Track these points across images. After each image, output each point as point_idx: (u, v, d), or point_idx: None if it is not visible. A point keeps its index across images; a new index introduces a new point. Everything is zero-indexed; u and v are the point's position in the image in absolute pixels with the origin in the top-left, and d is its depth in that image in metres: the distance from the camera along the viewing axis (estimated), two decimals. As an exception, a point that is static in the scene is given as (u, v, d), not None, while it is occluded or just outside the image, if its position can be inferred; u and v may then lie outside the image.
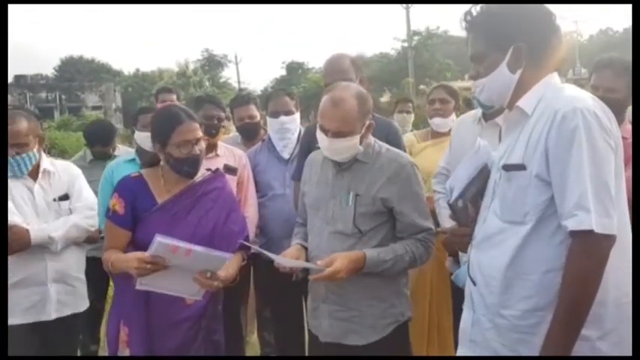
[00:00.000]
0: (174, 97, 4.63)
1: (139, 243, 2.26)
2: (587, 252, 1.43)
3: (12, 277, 2.55)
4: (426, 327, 3.09)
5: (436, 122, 3.39)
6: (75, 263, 2.84)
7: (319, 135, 2.12)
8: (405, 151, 2.59)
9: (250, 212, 2.96)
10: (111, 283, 3.84)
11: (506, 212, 1.60)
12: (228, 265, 2.29)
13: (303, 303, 2.92)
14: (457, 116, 3.26)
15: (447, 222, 2.39)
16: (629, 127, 2.48)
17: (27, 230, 2.56)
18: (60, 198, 2.75)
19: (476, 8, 1.65)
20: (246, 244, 2.33)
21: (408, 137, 3.57)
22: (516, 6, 1.61)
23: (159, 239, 2.06)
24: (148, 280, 2.19)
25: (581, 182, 1.43)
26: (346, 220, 2.11)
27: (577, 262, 1.44)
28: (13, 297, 2.54)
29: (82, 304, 2.87)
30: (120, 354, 2.33)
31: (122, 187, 2.37)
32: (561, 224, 1.47)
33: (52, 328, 2.69)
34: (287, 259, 2.13)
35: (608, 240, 1.42)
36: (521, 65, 1.58)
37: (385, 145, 2.24)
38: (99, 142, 3.86)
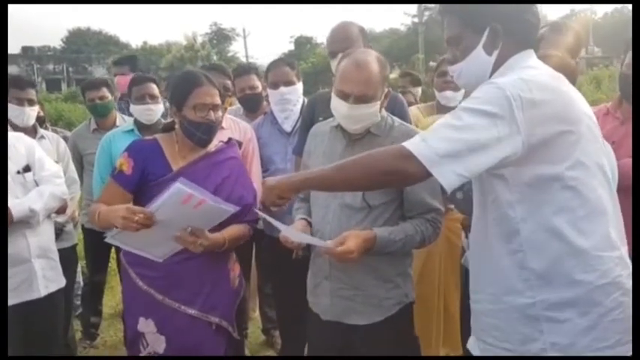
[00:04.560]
0: (126, 68, 4.58)
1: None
2: (397, 157, 1.44)
3: None
4: (434, 309, 3.02)
5: (447, 95, 3.25)
6: (51, 236, 2.77)
7: (337, 102, 2.01)
8: (411, 123, 2.49)
9: (254, 187, 2.87)
10: (113, 255, 3.83)
11: (479, 197, 1.62)
12: (225, 230, 2.24)
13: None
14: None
15: None
16: None
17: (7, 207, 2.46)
18: (24, 170, 2.62)
19: None
20: (260, 212, 2.26)
21: (413, 111, 3.44)
22: None
23: (179, 184, 1.98)
24: (120, 236, 2.12)
25: (441, 126, 1.45)
26: (355, 194, 2.01)
27: (387, 156, 1.47)
28: None
29: (63, 279, 2.80)
30: (151, 348, 2.26)
31: (134, 148, 2.28)
32: None
33: (40, 307, 2.61)
34: (296, 232, 2.04)
35: (417, 165, 1.41)
36: (497, 46, 1.55)
37: (397, 119, 2.15)
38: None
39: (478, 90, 1.48)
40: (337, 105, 2.02)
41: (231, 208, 2.16)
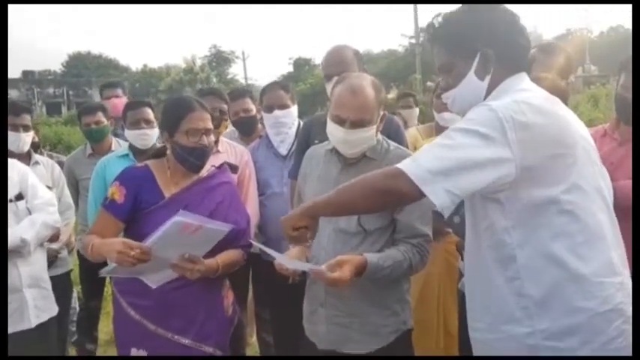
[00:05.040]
0: (120, 91, 4.53)
1: (143, 239, 2.10)
2: (389, 176, 1.45)
3: None
4: (434, 332, 2.97)
5: (446, 117, 3.20)
6: (43, 265, 2.72)
7: (333, 127, 2.00)
8: (407, 146, 2.48)
9: (250, 212, 2.80)
10: (109, 280, 3.78)
11: (472, 223, 1.60)
12: (218, 256, 2.21)
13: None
14: None
15: None
16: None
17: None
18: (16, 198, 2.58)
19: (438, 19, 1.60)
20: (253, 242, 2.23)
21: (412, 133, 3.43)
22: (479, 12, 1.55)
23: (179, 217, 1.95)
24: (115, 270, 2.08)
25: (432, 146, 1.45)
26: (350, 218, 1.99)
27: (381, 177, 1.47)
28: None
29: (55, 308, 2.74)
30: None
31: (125, 176, 2.25)
32: None
33: (31, 337, 2.55)
34: (290, 259, 2.00)
35: (409, 184, 1.40)
36: (489, 71, 1.54)
37: (393, 143, 2.14)
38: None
39: (471, 112, 1.47)
40: (333, 130, 2.00)
41: (226, 228, 2.14)
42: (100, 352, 4.05)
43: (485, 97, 1.54)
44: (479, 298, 1.57)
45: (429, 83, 25.70)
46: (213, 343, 2.27)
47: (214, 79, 41.01)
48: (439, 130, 3.27)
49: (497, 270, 1.48)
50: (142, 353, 2.20)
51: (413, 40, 33.16)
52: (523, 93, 1.48)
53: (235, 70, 47.70)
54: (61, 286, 3.12)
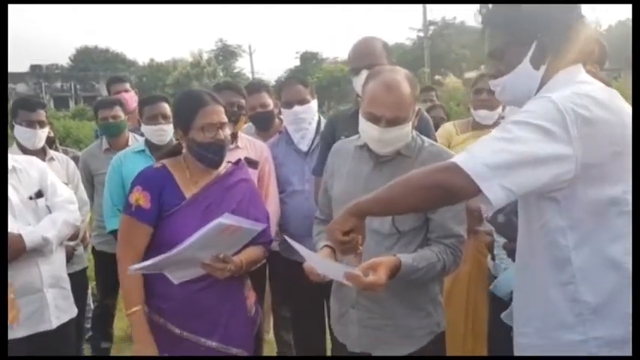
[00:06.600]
0: (127, 85, 4.46)
1: (167, 242, 2.04)
2: (444, 170, 1.34)
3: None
4: (461, 334, 2.90)
5: (481, 114, 3.13)
6: (63, 264, 2.65)
7: (366, 125, 1.90)
8: (436, 139, 2.39)
9: (271, 209, 2.74)
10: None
11: (525, 222, 1.52)
12: (242, 253, 2.16)
13: (325, 304, 2.74)
14: (504, 109, 3.02)
15: None
16: None
17: (20, 235, 2.35)
18: (36, 195, 2.51)
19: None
20: (288, 239, 2.17)
21: (447, 127, 3.35)
22: None
23: (222, 220, 1.91)
24: (144, 267, 2.03)
25: (489, 139, 1.36)
26: (383, 219, 1.90)
27: (432, 171, 1.37)
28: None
29: (74, 309, 2.68)
30: None
31: (145, 178, 2.15)
32: None
33: (51, 338, 2.48)
34: (323, 260, 1.88)
35: (466, 179, 1.30)
36: (545, 61, 1.44)
37: (427, 139, 2.04)
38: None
39: (529, 104, 1.38)
40: (367, 128, 1.91)
41: (259, 227, 2.12)
42: (114, 349, 4.00)
43: (539, 89, 1.46)
44: (528, 302, 1.49)
45: (437, 77, 25.65)
46: (239, 345, 2.21)
47: (221, 73, 40.93)
48: (476, 126, 3.19)
49: (550, 273, 1.41)
50: None
51: (421, 34, 32.99)
52: (583, 86, 1.39)
53: (242, 64, 47.81)
54: (77, 282, 3.06)
